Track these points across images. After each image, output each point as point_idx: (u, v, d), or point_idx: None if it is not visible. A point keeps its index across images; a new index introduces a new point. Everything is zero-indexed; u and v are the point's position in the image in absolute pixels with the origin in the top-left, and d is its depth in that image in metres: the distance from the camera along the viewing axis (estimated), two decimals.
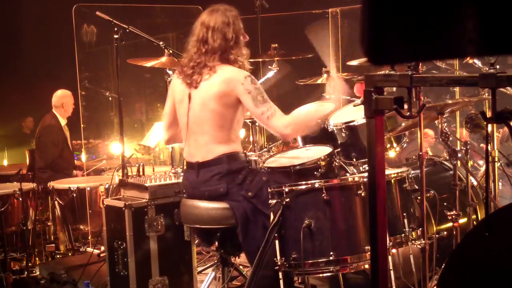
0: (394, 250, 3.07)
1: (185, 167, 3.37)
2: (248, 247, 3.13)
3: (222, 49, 3.19)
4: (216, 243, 3.44)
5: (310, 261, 2.91)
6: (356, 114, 3.75)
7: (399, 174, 3.16)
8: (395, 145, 3.93)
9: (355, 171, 3.71)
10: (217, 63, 3.19)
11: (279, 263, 2.92)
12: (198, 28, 3.25)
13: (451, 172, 3.63)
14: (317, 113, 3.42)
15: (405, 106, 1.80)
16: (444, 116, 3.58)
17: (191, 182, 3.28)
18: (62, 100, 6.09)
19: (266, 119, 3.12)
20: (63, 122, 6.12)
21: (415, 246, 3.09)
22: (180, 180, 3.57)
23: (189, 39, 3.29)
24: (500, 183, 4.75)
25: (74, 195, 4.99)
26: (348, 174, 3.60)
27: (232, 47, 3.21)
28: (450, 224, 3.57)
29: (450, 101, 3.83)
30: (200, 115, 3.18)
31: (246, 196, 3.11)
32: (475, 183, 3.86)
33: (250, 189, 3.13)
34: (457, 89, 5.42)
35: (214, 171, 3.16)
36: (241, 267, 3.96)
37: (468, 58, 4.07)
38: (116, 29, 4.03)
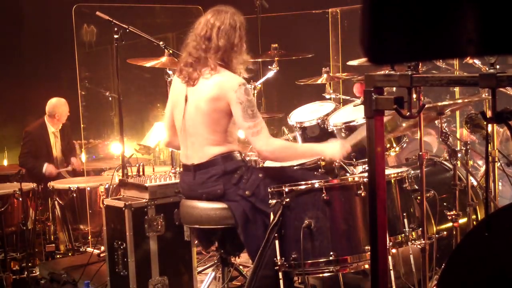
0: (394, 250, 3.07)
1: (181, 169, 3.36)
2: (250, 247, 3.12)
3: (224, 49, 3.12)
4: (216, 243, 3.44)
5: (310, 261, 2.91)
6: (356, 114, 3.75)
7: (399, 174, 3.16)
8: (395, 145, 3.93)
9: (355, 171, 3.71)
10: (217, 63, 3.13)
11: (279, 263, 2.92)
12: (201, 25, 3.17)
13: (451, 172, 3.62)
14: (313, 155, 3.40)
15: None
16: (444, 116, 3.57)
17: (188, 184, 3.27)
18: (55, 110, 5.87)
19: (251, 134, 3.05)
20: (51, 129, 5.91)
21: (415, 246, 3.09)
22: None
23: (189, 36, 3.23)
24: (500, 183, 4.74)
25: (74, 195, 4.99)
26: (348, 174, 3.60)
27: (236, 52, 3.16)
28: (450, 224, 3.57)
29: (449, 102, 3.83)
30: (195, 117, 3.15)
31: (244, 196, 3.10)
32: (475, 183, 3.86)
33: (247, 188, 3.11)
34: (457, 89, 5.42)
35: (210, 172, 3.14)
36: (241, 267, 3.96)
37: (468, 58, 4.06)
38: (116, 29, 4.03)
